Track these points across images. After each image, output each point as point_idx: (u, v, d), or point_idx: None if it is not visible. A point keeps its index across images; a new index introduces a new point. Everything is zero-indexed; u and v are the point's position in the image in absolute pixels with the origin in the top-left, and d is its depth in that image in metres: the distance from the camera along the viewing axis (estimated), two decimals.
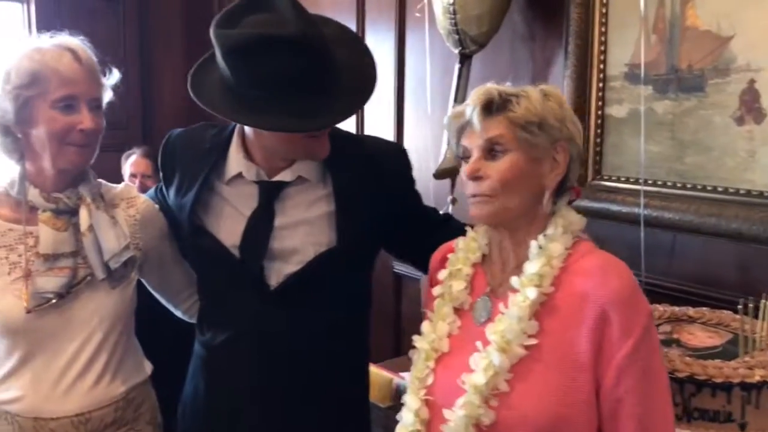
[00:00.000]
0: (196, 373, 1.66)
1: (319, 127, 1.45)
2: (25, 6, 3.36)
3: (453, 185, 2.35)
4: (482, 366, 1.20)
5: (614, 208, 2.06)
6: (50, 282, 1.45)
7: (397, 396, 1.84)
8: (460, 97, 2.27)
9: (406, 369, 2.06)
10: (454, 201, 2.37)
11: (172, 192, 1.62)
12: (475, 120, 1.25)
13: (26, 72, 1.43)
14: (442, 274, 1.37)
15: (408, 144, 2.62)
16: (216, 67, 1.45)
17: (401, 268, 2.76)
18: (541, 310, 1.20)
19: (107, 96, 1.53)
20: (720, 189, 1.86)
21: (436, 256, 1.45)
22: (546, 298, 1.20)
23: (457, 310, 1.33)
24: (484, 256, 1.35)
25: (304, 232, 1.52)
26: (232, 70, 1.38)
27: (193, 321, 1.77)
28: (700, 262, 1.96)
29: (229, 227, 1.54)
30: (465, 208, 2.42)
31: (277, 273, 1.52)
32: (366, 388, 1.70)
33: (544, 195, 1.26)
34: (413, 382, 1.32)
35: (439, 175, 2.30)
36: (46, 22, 3.35)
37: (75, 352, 1.50)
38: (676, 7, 1.91)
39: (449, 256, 1.38)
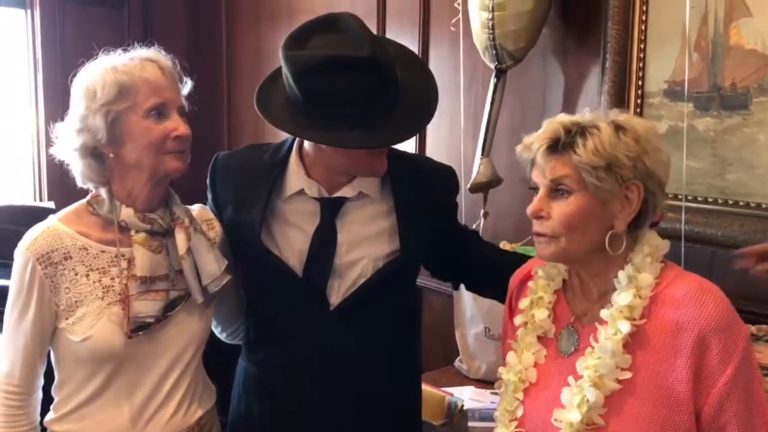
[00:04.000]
0: (249, 392, 1.64)
1: (390, 143, 1.49)
2: (29, 12, 3.28)
3: (485, 199, 2.36)
4: (576, 402, 1.19)
5: None
6: (148, 306, 1.41)
7: (449, 413, 1.83)
8: (495, 111, 2.27)
9: (432, 383, 2.08)
10: (486, 215, 2.38)
11: (229, 210, 1.60)
12: (539, 159, 1.23)
13: (113, 85, 1.38)
14: (523, 303, 1.35)
15: (436, 156, 2.60)
16: (280, 88, 1.47)
17: (423, 281, 2.75)
18: (632, 341, 1.18)
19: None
20: (764, 206, 1.89)
21: (513, 282, 1.44)
22: (636, 330, 1.18)
23: (541, 339, 1.32)
24: (564, 281, 1.34)
25: (364, 247, 1.54)
26: (303, 90, 1.39)
27: (234, 343, 1.75)
28: (739, 277, 1.98)
29: (291, 245, 1.54)
30: (496, 222, 2.43)
31: (337, 290, 1.53)
32: (420, 398, 1.72)
33: (616, 235, 1.21)
34: (503, 415, 1.31)
35: (474, 189, 2.30)
36: (50, 29, 3.29)
37: (160, 378, 1.46)
38: (719, 25, 1.93)
39: (529, 284, 1.37)
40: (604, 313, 1.21)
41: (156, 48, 1.49)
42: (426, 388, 1.82)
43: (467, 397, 2.05)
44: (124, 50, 1.47)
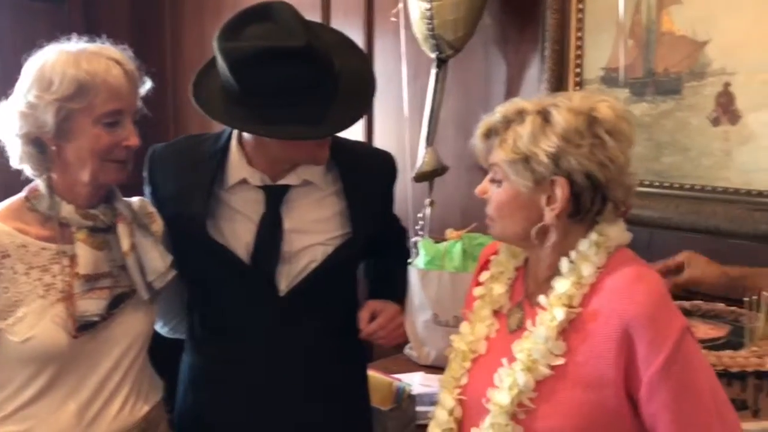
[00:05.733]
0: (195, 387, 1.64)
1: (329, 133, 1.49)
2: None
3: (431, 188, 2.38)
4: (507, 384, 1.20)
5: None
6: (93, 304, 1.38)
7: (397, 398, 1.85)
8: (438, 101, 2.30)
9: (382, 371, 2.09)
10: (431, 203, 2.40)
11: (170, 203, 1.58)
12: (478, 146, 1.28)
13: (72, 82, 1.32)
14: (483, 276, 1.38)
15: (382, 146, 2.62)
16: (215, 77, 1.45)
17: None
18: (569, 328, 1.19)
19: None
20: (698, 187, 1.95)
21: (482, 256, 1.45)
22: (574, 316, 1.19)
23: (497, 313, 1.34)
24: (527, 259, 1.35)
25: (313, 232, 1.55)
26: (239, 82, 1.39)
27: (174, 337, 1.74)
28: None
29: (238, 234, 1.54)
30: (442, 210, 2.46)
31: (286, 277, 1.54)
32: (367, 383, 1.74)
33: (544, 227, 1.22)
34: (448, 381, 1.33)
35: (418, 178, 2.33)
36: None
37: (106, 375, 1.43)
38: (651, 13, 1.99)
39: (492, 257, 1.39)
40: (542, 299, 1.23)
41: (123, 48, 1.44)
42: (374, 374, 1.84)
43: (416, 382, 2.07)
44: (91, 40, 1.41)
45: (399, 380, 1.90)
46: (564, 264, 1.22)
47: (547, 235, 1.23)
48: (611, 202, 1.21)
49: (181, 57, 3.51)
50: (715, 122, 1.90)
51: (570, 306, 1.19)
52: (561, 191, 1.18)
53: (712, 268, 1.62)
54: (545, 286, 1.25)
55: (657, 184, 2.03)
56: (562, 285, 1.20)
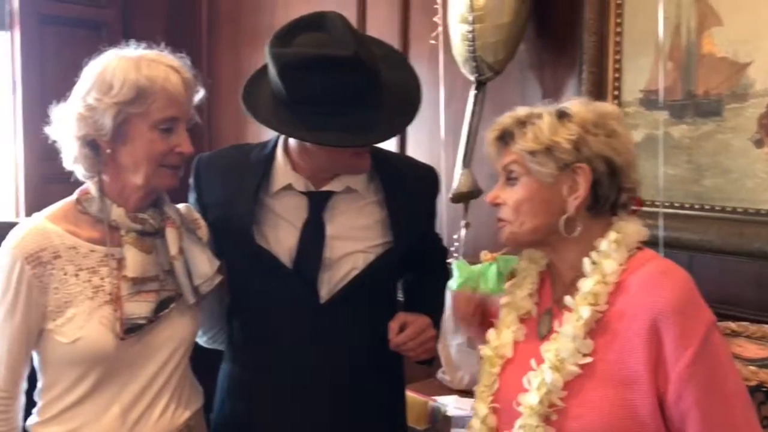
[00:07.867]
0: (233, 396, 1.64)
1: (372, 142, 1.52)
2: (9, 34, 3.27)
3: (466, 209, 2.37)
4: (535, 385, 1.21)
5: None
6: (141, 307, 1.39)
7: (433, 418, 1.82)
8: (475, 123, 2.30)
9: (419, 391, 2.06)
10: (467, 225, 2.39)
11: (216, 209, 1.61)
12: (491, 150, 1.32)
13: (132, 86, 1.36)
14: (508, 283, 1.41)
15: None
16: (265, 84, 1.49)
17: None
18: (596, 327, 1.20)
19: None
20: (740, 210, 1.92)
21: None
22: (601, 316, 1.20)
23: (524, 320, 1.34)
24: (549, 265, 1.36)
25: (354, 239, 1.56)
26: (287, 87, 1.42)
27: (213, 347, 1.74)
28: (717, 281, 2.01)
29: (281, 240, 1.55)
30: (477, 232, 2.45)
31: (327, 283, 1.55)
32: (405, 398, 1.73)
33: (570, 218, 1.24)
34: (482, 391, 1.33)
35: (455, 198, 2.33)
36: (30, 51, 3.28)
37: (149, 380, 1.43)
38: (692, 35, 1.99)
39: (515, 265, 1.41)
40: (568, 300, 1.24)
41: (181, 56, 1.48)
42: (409, 393, 1.82)
43: (451, 405, 2.04)
44: (149, 46, 1.46)
45: (434, 400, 1.87)
46: (587, 264, 1.24)
47: (573, 227, 1.24)
48: (624, 193, 1.25)
49: (216, 87, 3.56)
50: (758, 144, 1.88)
51: (596, 304, 1.20)
52: (584, 177, 1.22)
53: None
54: (571, 289, 1.26)
55: (697, 206, 2.01)
56: (587, 284, 1.22)
